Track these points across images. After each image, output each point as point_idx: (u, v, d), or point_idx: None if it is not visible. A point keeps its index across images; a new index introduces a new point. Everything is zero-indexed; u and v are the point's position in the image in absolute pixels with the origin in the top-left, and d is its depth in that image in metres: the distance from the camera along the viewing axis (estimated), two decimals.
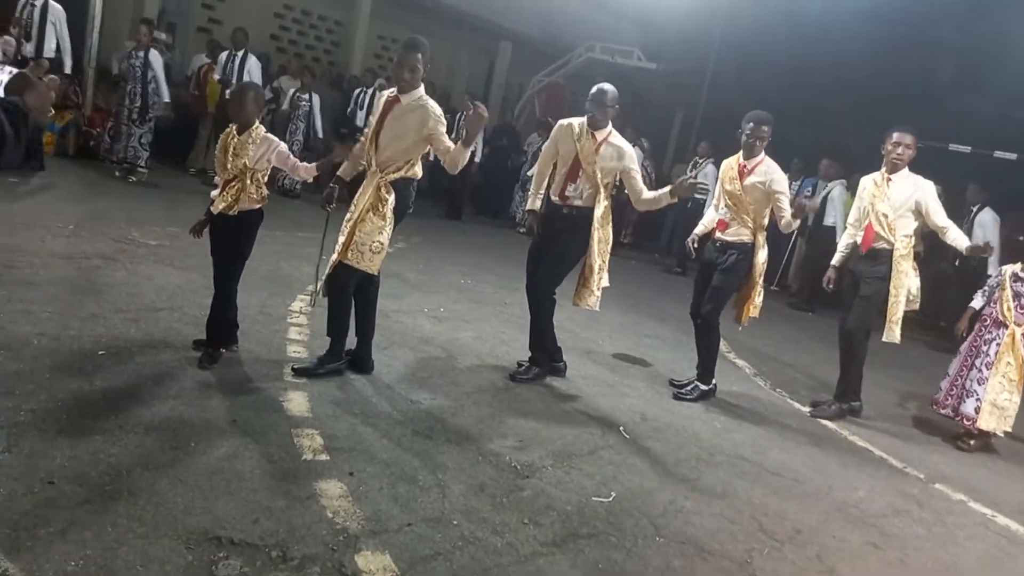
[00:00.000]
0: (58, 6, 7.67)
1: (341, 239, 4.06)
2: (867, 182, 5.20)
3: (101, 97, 9.90)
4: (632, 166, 4.67)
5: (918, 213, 4.99)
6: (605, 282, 4.78)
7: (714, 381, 5.13)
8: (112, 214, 6.76)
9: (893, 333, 4.99)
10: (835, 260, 5.41)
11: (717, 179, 10.37)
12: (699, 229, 5.28)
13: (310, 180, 4.38)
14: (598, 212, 4.65)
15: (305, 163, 4.19)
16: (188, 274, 5.32)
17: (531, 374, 4.81)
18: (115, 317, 4.30)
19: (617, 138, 4.70)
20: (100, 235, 5.93)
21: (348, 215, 4.07)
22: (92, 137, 9.43)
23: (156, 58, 8.59)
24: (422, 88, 4.08)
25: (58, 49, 7.76)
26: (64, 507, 2.50)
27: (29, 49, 7.72)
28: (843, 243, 5.42)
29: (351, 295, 4.22)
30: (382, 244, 4.04)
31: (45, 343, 3.75)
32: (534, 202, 4.95)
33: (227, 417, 3.39)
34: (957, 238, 4.91)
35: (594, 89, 4.68)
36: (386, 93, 4.16)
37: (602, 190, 4.65)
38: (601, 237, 4.67)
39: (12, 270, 4.69)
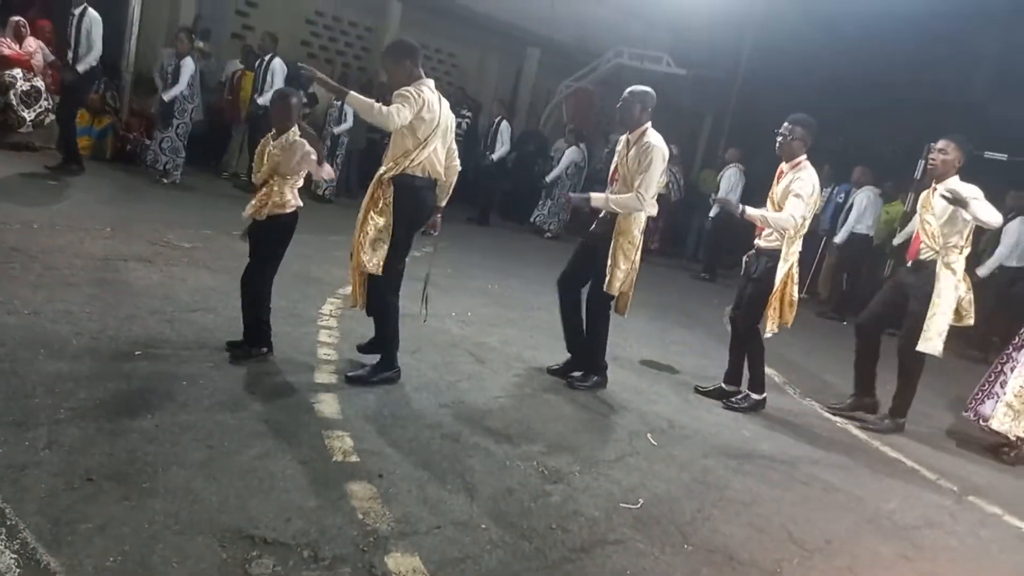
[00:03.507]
0: (94, 14, 7.81)
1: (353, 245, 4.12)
2: (922, 195, 5.17)
3: (137, 102, 10.11)
4: (645, 162, 4.58)
5: (963, 219, 4.79)
6: (628, 286, 4.73)
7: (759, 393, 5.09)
8: (147, 217, 6.90)
9: (932, 343, 4.85)
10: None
11: (738, 184, 10.45)
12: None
13: (328, 179, 4.32)
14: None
15: (326, 165, 4.25)
16: (221, 276, 5.41)
17: (590, 382, 4.83)
18: (151, 318, 4.39)
19: (650, 136, 4.67)
20: (136, 237, 6.05)
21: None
22: (128, 141, 9.63)
23: (187, 64, 8.72)
24: (415, 84, 4.00)
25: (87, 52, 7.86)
26: (103, 503, 2.56)
27: (71, 56, 7.91)
28: (896, 240, 5.36)
29: (395, 302, 4.22)
30: (382, 242, 4.02)
31: (84, 343, 3.84)
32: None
33: (259, 418, 3.45)
34: (976, 210, 4.64)
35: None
36: None
37: (632, 189, 4.61)
38: (623, 232, 4.61)
39: (53, 271, 4.80)
